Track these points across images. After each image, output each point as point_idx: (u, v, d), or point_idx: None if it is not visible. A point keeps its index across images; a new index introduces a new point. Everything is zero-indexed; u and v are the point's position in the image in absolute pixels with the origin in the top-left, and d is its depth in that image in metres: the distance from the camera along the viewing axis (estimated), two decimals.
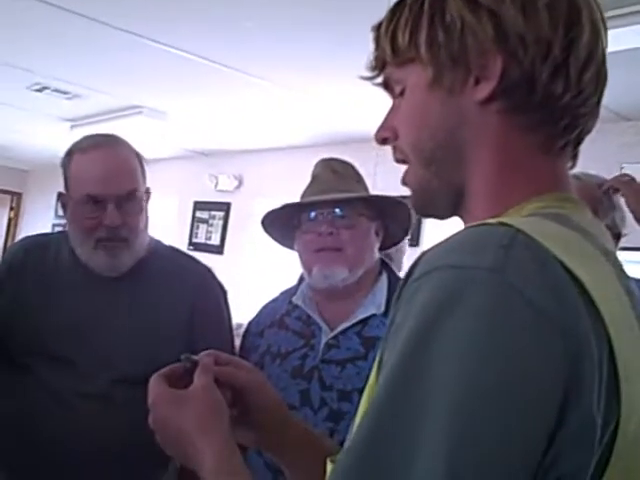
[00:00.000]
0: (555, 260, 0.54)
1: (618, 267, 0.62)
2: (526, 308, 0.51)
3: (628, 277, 0.63)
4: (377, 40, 0.74)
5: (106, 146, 1.59)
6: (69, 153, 1.60)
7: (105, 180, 1.53)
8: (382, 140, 0.76)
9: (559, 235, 0.58)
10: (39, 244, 1.71)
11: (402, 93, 0.73)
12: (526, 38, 0.64)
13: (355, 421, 0.65)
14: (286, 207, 1.60)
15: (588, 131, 0.70)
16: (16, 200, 9.62)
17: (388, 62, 0.73)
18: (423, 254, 0.59)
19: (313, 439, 0.97)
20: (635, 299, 0.60)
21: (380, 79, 0.76)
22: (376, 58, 0.75)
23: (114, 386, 1.53)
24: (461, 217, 0.74)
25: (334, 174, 1.61)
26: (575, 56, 0.65)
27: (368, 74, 0.77)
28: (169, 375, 0.89)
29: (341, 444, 1.40)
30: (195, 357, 0.90)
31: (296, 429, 0.96)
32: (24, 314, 1.60)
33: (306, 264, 1.59)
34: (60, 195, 1.66)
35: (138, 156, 1.62)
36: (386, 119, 0.76)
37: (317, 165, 1.67)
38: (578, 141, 0.71)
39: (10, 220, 9.63)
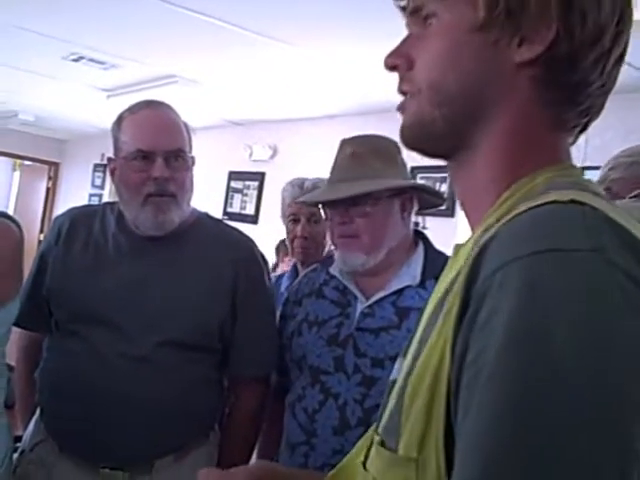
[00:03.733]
0: (633, 236, 0.53)
1: None
2: (633, 286, 0.50)
3: None
4: None
5: (156, 106, 1.66)
6: (119, 118, 1.66)
7: (155, 135, 1.59)
8: (392, 67, 0.72)
9: (619, 211, 0.57)
10: (85, 213, 1.76)
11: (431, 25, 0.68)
12: (587, 17, 0.62)
13: (410, 409, 0.61)
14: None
15: (593, 120, 0.71)
16: (54, 170, 9.76)
17: None
18: (488, 243, 0.56)
19: None
20: None
21: (407, 2, 0.72)
22: None
23: (158, 349, 1.56)
24: (451, 165, 0.72)
25: (352, 158, 1.58)
26: (617, 49, 0.65)
27: None
28: None
29: (372, 408, 1.45)
30: None
31: None
32: (71, 281, 1.63)
33: (334, 247, 1.65)
34: (108, 161, 1.70)
35: (186, 125, 1.68)
36: (401, 46, 0.72)
37: (339, 146, 1.63)
38: (584, 127, 0.71)
39: (48, 190, 9.79)
